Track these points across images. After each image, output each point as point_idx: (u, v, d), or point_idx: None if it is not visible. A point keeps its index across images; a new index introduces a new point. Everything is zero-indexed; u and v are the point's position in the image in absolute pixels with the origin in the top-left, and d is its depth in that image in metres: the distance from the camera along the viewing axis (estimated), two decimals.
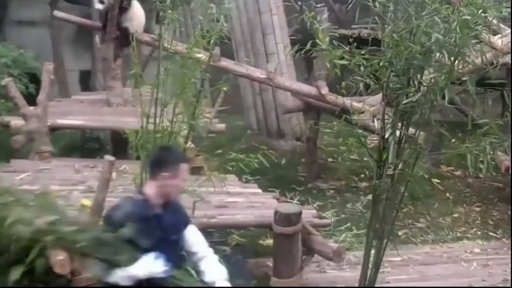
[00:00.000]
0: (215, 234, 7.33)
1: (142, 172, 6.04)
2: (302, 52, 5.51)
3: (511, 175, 7.66)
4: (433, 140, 5.90)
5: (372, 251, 5.32)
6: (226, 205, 7.16)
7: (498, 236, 8.31)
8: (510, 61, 9.24)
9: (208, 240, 6.98)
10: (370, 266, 5.30)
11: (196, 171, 8.06)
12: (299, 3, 12.40)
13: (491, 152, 4.94)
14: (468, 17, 4.97)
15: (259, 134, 10.94)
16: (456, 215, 8.82)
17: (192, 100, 6.31)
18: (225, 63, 9.39)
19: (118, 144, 9.28)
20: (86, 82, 13.05)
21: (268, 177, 9.35)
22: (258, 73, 9.56)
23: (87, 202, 5.75)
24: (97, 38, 10.80)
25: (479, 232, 8.26)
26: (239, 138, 10.57)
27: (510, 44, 9.31)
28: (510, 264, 7.47)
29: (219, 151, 10.16)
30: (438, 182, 9.35)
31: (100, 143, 10.50)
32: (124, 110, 9.15)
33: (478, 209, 9.05)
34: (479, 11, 5.04)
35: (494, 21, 5.59)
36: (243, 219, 6.83)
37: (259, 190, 7.99)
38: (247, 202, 7.34)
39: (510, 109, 5.22)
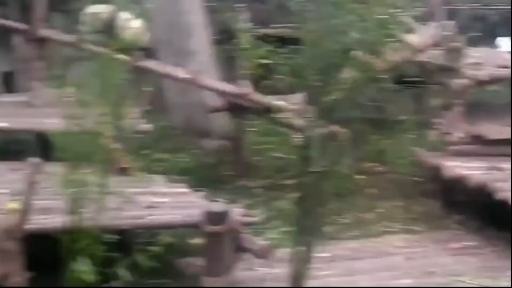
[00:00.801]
0: (144, 234, 7.30)
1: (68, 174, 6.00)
2: (225, 51, 5.55)
3: None
4: (355, 137, 6.01)
5: (300, 248, 5.38)
6: (154, 206, 7.15)
7: (421, 230, 8.50)
8: (425, 59, 9.51)
9: (137, 241, 7.03)
10: (298, 262, 5.35)
11: (123, 172, 8.04)
12: (221, 3, 12.49)
13: (411, 148, 5.06)
14: (384, 16, 5.09)
15: (185, 133, 10.93)
16: (380, 210, 8.98)
17: (117, 101, 6.27)
18: (149, 63, 9.37)
19: (43, 146, 9.14)
20: (10, 83, 12.77)
21: (195, 176, 9.35)
22: (182, 73, 9.57)
23: (14, 205, 5.68)
24: (17, 39, 10.63)
25: (402, 226, 8.43)
26: (165, 138, 10.57)
27: (425, 42, 9.59)
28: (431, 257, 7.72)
29: (146, 151, 10.14)
30: (361, 178, 9.49)
31: (25, 145, 10.32)
32: (47, 112, 9.03)
33: (400, 203, 9.23)
34: (394, 10, 5.16)
35: (409, 20, 5.74)
36: (172, 219, 6.84)
37: (187, 190, 7.99)
38: (175, 202, 7.36)
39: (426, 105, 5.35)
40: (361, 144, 7.87)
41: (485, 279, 6.99)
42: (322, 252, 7.57)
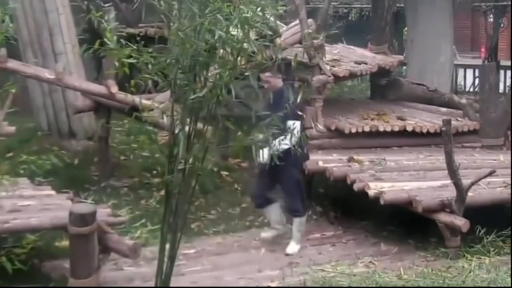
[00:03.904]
0: (9, 239, 7.21)
1: None
2: (91, 51, 5.55)
3: None
4: (220, 134, 6.15)
5: (167, 245, 5.47)
6: (20, 209, 7.05)
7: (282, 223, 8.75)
8: (287, 56, 9.76)
9: (2, 245, 6.93)
10: (165, 260, 5.45)
11: None
12: (86, 2, 12.37)
13: (274, 143, 5.22)
14: (248, 15, 5.24)
15: (50, 135, 10.78)
16: (244, 205, 9.19)
17: None
18: (12, 64, 9.20)
19: None
20: None
21: (61, 178, 9.26)
22: (47, 74, 9.43)
23: None
24: None
25: (265, 220, 8.68)
26: (30, 140, 10.39)
27: (288, 40, 9.86)
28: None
29: (10, 154, 9.95)
30: (226, 174, 9.69)
31: None
32: None
33: None
34: (258, 9, 5.32)
35: (272, 19, 5.91)
36: (38, 222, 6.76)
37: (53, 192, 7.92)
38: (41, 205, 7.27)
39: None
40: (227, 140, 8.04)
41: (345, 266, 7.31)
42: (188, 249, 7.77)
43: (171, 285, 5.48)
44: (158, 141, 10.39)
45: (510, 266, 6.90)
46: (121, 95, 9.01)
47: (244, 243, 8.17)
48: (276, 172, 7.50)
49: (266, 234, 8.19)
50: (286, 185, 8.00)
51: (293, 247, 7.94)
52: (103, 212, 7.12)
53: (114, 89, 9.07)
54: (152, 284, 5.53)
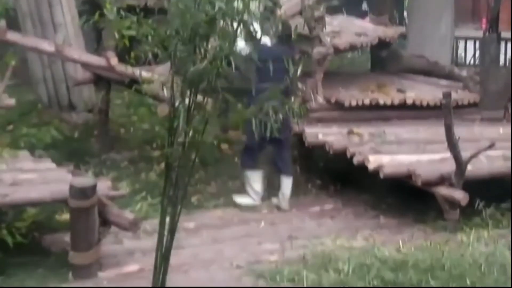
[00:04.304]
0: (10, 212, 7.23)
1: None
2: (90, 23, 5.51)
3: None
4: (221, 106, 6.14)
5: (167, 219, 5.49)
6: (20, 182, 7.06)
7: None
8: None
9: (3, 218, 6.96)
10: (165, 233, 5.47)
11: None
12: None
13: (274, 115, 5.22)
14: None
15: (50, 107, 10.77)
16: None
17: None
18: (12, 36, 9.16)
19: None
20: None
21: (61, 151, 9.27)
22: (47, 46, 9.40)
23: None
24: None
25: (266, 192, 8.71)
26: (30, 113, 10.39)
27: (288, 11, 9.79)
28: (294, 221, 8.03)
29: (10, 127, 9.95)
30: (227, 147, 9.68)
31: None
32: None
33: (263, 170, 9.45)
34: None
35: None
36: (38, 196, 6.77)
37: (53, 165, 7.93)
38: (41, 178, 7.27)
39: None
40: (227, 113, 8.04)
41: (344, 240, 7.36)
42: (188, 222, 7.80)
43: (171, 258, 5.50)
44: (157, 114, 10.46)
45: (509, 239, 6.95)
46: (121, 67, 8.98)
47: (244, 217, 8.20)
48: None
49: (242, 200, 8.39)
50: (284, 147, 8.26)
51: (287, 202, 8.29)
52: (103, 185, 7.13)
53: (114, 61, 9.04)
54: (153, 257, 5.54)
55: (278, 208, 8.40)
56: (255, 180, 8.36)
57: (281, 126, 5.19)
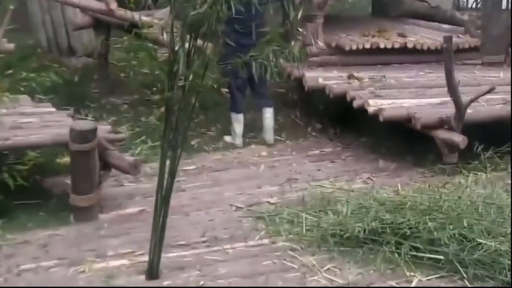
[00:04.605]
0: (11, 156, 7.28)
1: None
2: None
3: None
4: (221, 50, 6.13)
5: (167, 162, 5.53)
6: (20, 126, 7.11)
7: (283, 139, 8.83)
8: None
9: (4, 162, 7.01)
10: (166, 176, 5.51)
11: None
12: None
13: (274, 60, 5.21)
14: None
15: (50, 52, 10.74)
16: (244, 121, 9.15)
17: None
18: None
19: None
20: None
21: (61, 95, 9.28)
22: None
23: None
24: None
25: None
26: (29, 58, 10.37)
27: None
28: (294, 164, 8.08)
29: (10, 71, 9.94)
30: (226, 92, 9.67)
31: None
32: None
33: None
34: None
35: None
36: (39, 139, 6.82)
37: (53, 109, 7.96)
38: (42, 122, 7.31)
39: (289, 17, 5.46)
40: (227, 57, 8.02)
41: (343, 182, 7.41)
42: (189, 165, 7.85)
43: (172, 200, 5.55)
44: (158, 58, 10.43)
45: (506, 181, 7.00)
46: (120, 12, 8.93)
47: (244, 160, 8.24)
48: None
49: (227, 138, 8.78)
50: (259, 84, 8.46)
51: (271, 135, 8.68)
52: (104, 129, 7.17)
53: (114, 5, 8.98)
54: (153, 199, 5.60)
55: (233, 145, 8.68)
56: (235, 121, 8.67)
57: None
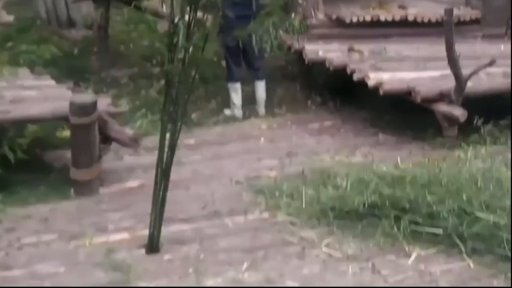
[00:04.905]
0: (11, 129, 7.28)
1: None
2: None
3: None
4: (220, 22, 6.11)
5: (167, 135, 5.53)
6: (20, 99, 7.10)
7: (283, 112, 8.82)
8: None
9: (4, 135, 7.01)
10: (166, 149, 5.52)
11: None
12: None
13: (274, 32, 5.20)
14: None
15: (49, 24, 10.71)
16: (243, 93, 9.13)
17: None
18: None
19: None
20: None
21: (61, 68, 9.26)
22: None
23: None
24: None
25: (265, 109, 8.73)
26: (29, 30, 10.33)
27: None
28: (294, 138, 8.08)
29: (9, 44, 9.91)
30: (225, 58, 9.65)
31: None
32: None
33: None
34: None
35: None
36: (39, 112, 6.80)
37: (53, 82, 7.95)
38: (42, 95, 7.30)
39: None
40: (227, 29, 7.98)
41: (342, 156, 7.42)
42: (189, 138, 7.85)
43: (172, 174, 5.57)
44: (158, 30, 10.40)
45: (506, 155, 7.01)
46: None
47: (244, 133, 8.25)
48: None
49: (227, 112, 8.78)
50: (253, 56, 8.51)
51: (263, 107, 8.75)
52: (104, 102, 7.15)
53: None
54: (153, 173, 5.61)
55: (233, 118, 8.70)
56: (233, 92, 8.68)
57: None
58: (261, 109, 8.74)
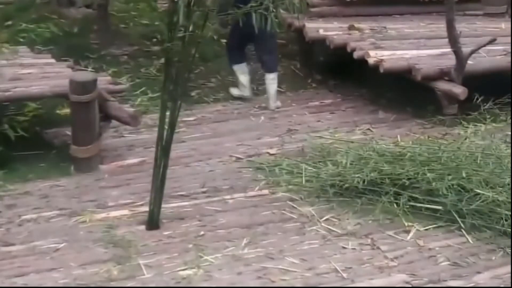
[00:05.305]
0: (11, 107, 7.29)
1: None
2: None
3: None
4: (220, 1, 6.10)
5: (167, 113, 5.54)
6: (20, 77, 7.10)
7: (283, 90, 8.80)
8: None
9: (4, 113, 7.02)
10: (166, 127, 5.53)
11: None
12: None
13: (274, 10, 5.19)
14: None
15: (49, 3, 10.65)
16: None
17: None
18: None
19: None
20: None
21: (61, 46, 9.23)
22: None
23: None
24: None
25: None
26: (29, 8, 10.29)
27: None
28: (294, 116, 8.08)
29: (9, 22, 9.88)
30: (226, 42, 9.63)
31: None
32: None
33: None
34: None
35: None
36: (39, 90, 6.82)
37: (53, 60, 7.94)
38: (42, 73, 7.30)
39: None
40: (227, 8, 7.97)
41: (342, 134, 7.43)
42: (188, 116, 7.86)
43: (172, 151, 5.58)
44: (158, 9, 10.37)
45: (505, 132, 7.02)
46: None
47: (244, 111, 8.23)
48: (251, 31, 7.51)
49: (234, 91, 8.54)
50: (271, 43, 8.26)
51: (273, 101, 8.30)
52: (104, 80, 7.17)
53: None
54: (153, 150, 5.62)
55: (241, 98, 8.49)
56: (240, 73, 8.45)
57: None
58: (271, 103, 8.27)
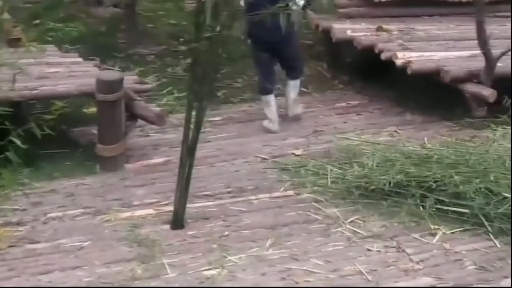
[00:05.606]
0: (38, 105, 7.33)
1: None
2: None
3: None
4: (248, 1, 6.08)
5: (193, 113, 5.54)
6: (47, 76, 7.15)
7: (309, 91, 8.76)
8: None
9: (31, 112, 7.05)
10: (191, 127, 5.53)
11: (14, 42, 7.95)
12: None
13: (302, 11, 5.16)
14: None
15: (77, 2, 10.72)
16: None
17: None
18: None
19: None
20: None
21: (88, 45, 9.29)
22: None
23: None
24: None
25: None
26: (57, 7, 10.36)
27: None
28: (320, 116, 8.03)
29: (37, 21, 9.95)
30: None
31: None
32: None
33: None
34: None
35: None
36: (65, 89, 6.86)
37: (80, 59, 7.99)
38: (68, 72, 7.35)
39: None
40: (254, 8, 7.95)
41: (369, 135, 7.37)
42: (214, 116, 7.84)
43: (197, 151, 5.57)
44: (185, 9, 10.38)
45: None
46: None
47: None
48: (276, 45, 7.39)
49: (265, 124, 7.74)
50: (294, 48, 7.82)
51: (299, 107, 7.93)
52: (130, 79, 7.19)
53: None
54: (178, 150, 5.62)
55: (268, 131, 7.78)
56: (264, 106, 7.80)
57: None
58: (290, 111, 7.84)
